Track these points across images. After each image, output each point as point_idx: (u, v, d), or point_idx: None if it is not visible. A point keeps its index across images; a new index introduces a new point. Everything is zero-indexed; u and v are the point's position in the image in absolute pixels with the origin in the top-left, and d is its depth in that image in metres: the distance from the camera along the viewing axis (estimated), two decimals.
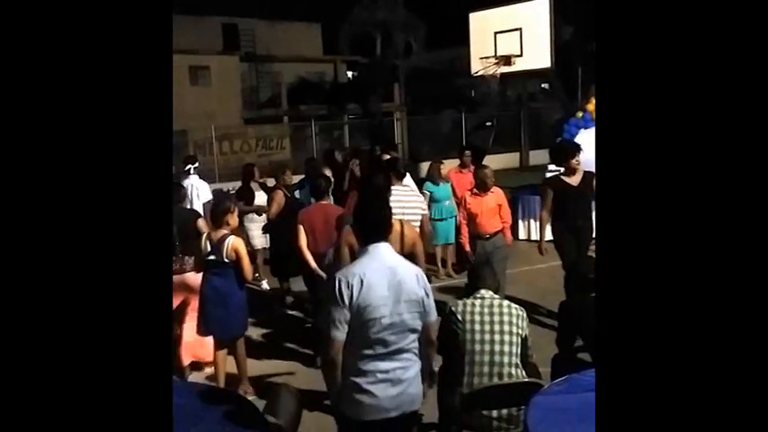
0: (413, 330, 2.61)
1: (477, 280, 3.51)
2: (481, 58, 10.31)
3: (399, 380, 2.59)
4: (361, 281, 2.51)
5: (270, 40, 27.16)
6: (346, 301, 2.50)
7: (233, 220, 4.62)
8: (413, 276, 2.63)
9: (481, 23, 10.46)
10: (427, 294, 2.65)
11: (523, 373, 3.26)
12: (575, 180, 5.65)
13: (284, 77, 27.28)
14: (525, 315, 3.40)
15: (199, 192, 7.49)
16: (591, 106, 10.97)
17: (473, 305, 3.36)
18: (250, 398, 4.42)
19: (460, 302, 3.41)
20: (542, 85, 23.51)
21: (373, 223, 2.70)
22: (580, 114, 11.21)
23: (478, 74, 10.58)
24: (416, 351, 2.66)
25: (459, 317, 3.33)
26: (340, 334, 2.51)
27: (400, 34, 25.08)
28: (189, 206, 6.63)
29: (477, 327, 3.28)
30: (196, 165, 7.82)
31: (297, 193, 6.84)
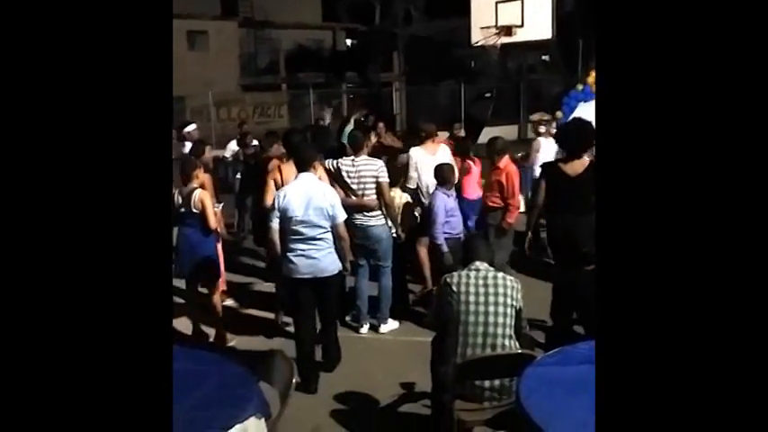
0: (320, 226, 4.19)
1: (472, 252, 3.53)
2: (482, 28, 10.18)
3: (311, 256, 4.21)
4: (284, 194, 4.23)
5: (269, 6, 26.73)
6: (276, 206, 4.23)
7: (201, 175, 5.25)
8: (321, 193, 4.22)
9: None
10: (332, 205, 4.20)
11: (517, 344, 3.29)
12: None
13: (283, 44, 26.93)
14: (520, 287, 3.42)
15: None
16: (591, 79, 10.88)
17: (467, 276, 3.37)
18: (231, 343, 4.86)
19: (455, 274, 3.42)
20: (543, 57, 23.27)
21: (301, 161, 4.37)
22: (580, 87, 11.13)
23: (479, 44, 10.45)
24: (328, 240, 4.23)
25: (454, 288, 3.34)
26: (273, 224, 4.24)
27: (400, 2, 24.72)
28: None
29: (472, 298, 3.30)
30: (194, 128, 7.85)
31: None
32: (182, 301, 5.38)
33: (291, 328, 4.86)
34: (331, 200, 4.22)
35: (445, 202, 5.24)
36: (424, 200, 5.81)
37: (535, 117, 7.84)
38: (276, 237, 4.26)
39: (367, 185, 5.05)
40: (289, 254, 4.25)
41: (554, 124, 7.64)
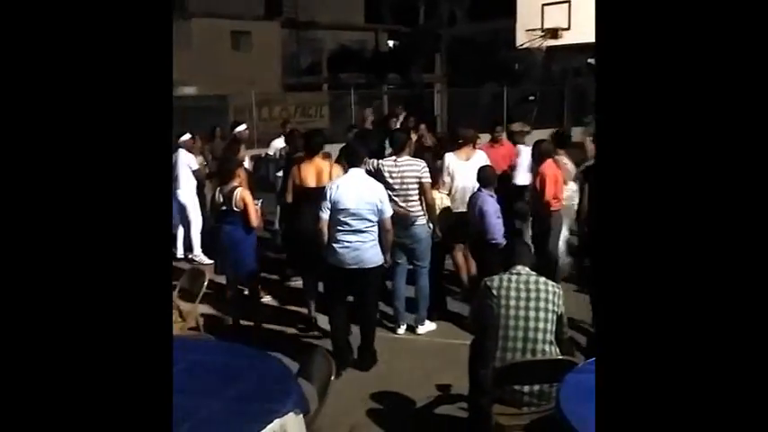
0: (369, 220, 4.39)
1: (514, 256, 3.49)
2: (527, 31, 10.05)
3: (357, 248, 4.40)
4: (337, 186, 4.43)
5: (312, 7, 26.98)
6: (327, 197, 4.40)
7: (242, 174, 5.38)
8: (372, 188, 4.45)
9: None
10: (381, 200, 4.42)
11: (557, 350, 3.25)
12: None
13: (325, 45, 27.14)
14: (561, 292, 3.38)
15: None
16: None
17: (509, 280, 3.34)
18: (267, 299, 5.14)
19: (496, 278, 3.39)
20: (588, 61, 22.89)
21: (352, 157, 4.65)
22: None
23: (523, 46, 10.33)
24: (373, 232, 4.42)
25: (495, 292, 3.32)
26: (324, 215, 4.41)
27: (444, 4, 24.64)
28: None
29: (513, 302, 3.27)
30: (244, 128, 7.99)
31: None
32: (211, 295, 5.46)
33: (321, 323, 5.19)
34: (380, 195, 4.44)
35: (492, 203, 5.25)
36: (456, 205, 5.77)
37: (516, 127, 7.87)
38: (325, 227, 4.43)
39: (409, 186, 5.05)
40: (335, 245, 4.42)
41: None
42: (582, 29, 9.48)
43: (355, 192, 4.37)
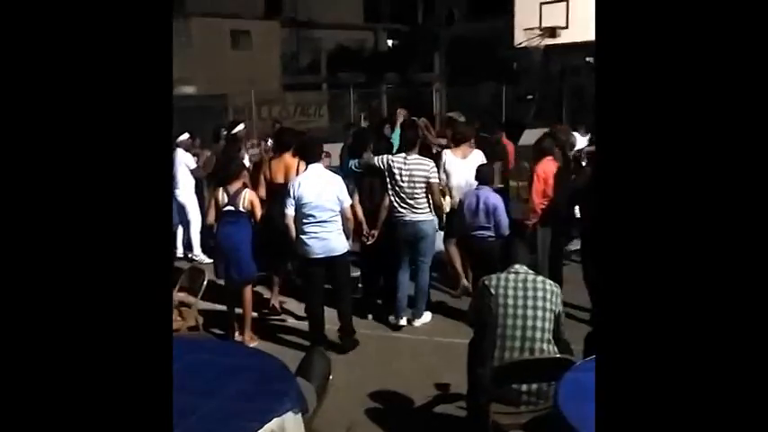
0: (332, 210, 4.71)
1: (512, 254, 3.50)
2: (525, 30, 10.09)
3: (323, 238, 4.73)
4: (299, 183, 4.75)
5: (311, 7, 26.97)
6: (291, 193, 4.73)
7: (246, 175, 5.45)
8: (330, 182, 4.76)
9: None
10: (340, 192, 4.74)
11: (555, 349, 3.25)
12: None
13: (324, 44, 27.13)
14: (560, 291, 3.38)
15: None
16: None
17: (507, 279, 3.35)
18: (253, 344, 4.93)
19: (494, 276, 3.40)
20: (586, 59, 22.88)
21: (308, 154, 4.96)
22: None
23: (522, 45, 10.35)
24: (337, 222, 4.76)
25: (493, 291, 3.32)
26: (289, 210, 4.74)
27: (443, 3, 24.64)
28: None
29: (511, 301, 3.28)
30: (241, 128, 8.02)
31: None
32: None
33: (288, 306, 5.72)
34: (339, 186, 4.79)
35: (475, 202, 5.34)
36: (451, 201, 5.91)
37: (453, 114, 7.95)
38: (291, 221, 4.76)
39: (417, 184, 5.17)
40: (303, 236, 4.75)
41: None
42: (580, 27, 9.51)
43: (315, 186, 4.70)
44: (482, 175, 5.48)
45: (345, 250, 4.88)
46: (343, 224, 4.84)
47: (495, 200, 5.36)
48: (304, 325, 5.18)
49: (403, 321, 5.41)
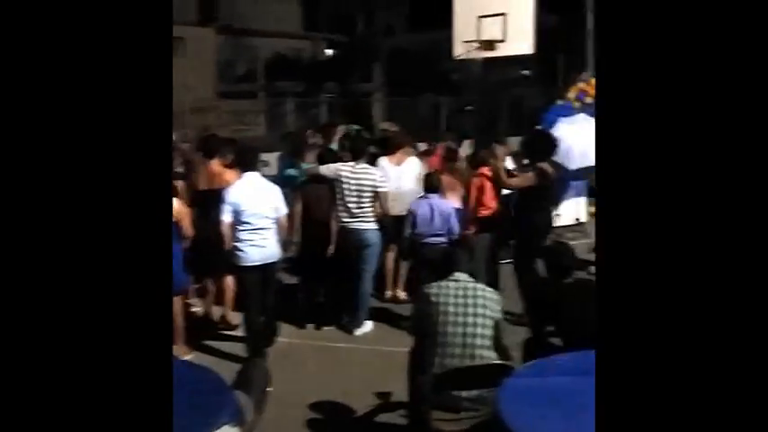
0: (267, 218, 4.71)
1: (452, 262, 3.52)
2: (464, 42, 10.23)
3: (259, 245, 4.71)
4: (235, 191, 4.71)
5: (248, 14, 26.67)
6: (227, 201, 4.65)
7: (180, 186, 5.37)
8: (269, 190, 4.76)
9: (465, 6, 10.35)
10: (277, 200, 4.76)
11: (495, 355, 3.28)
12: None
13: (262, 53, 26.82)
14: (499, 298, 3.42)
15: None
16: (571, 94, 11.02)
17: (447, 287, 3.36)
18: (187, 356, 4.78)
19: (435, 284, 3.41)
20: (523, 72, 23.52)
21: (244, 162, 4.91)
22: (560, 102, 11.26)
23: (460, 57, 10.51)
24: (273, 229, 4.75)
25: (433, 298, 3.33)
26: (225, 218, 4.67)
27: (382, 14, 24.84)
28: None
29: (451, 309, 3.29)
30: None
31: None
32: None
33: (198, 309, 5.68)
34: (276, 195, 4.82)
35: (429, 209, 5.41)
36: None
37: (385, 125, 8.19)
38: (227, 229, 4.71)
39: (364, 193, 5.23)
40: (240, 244, 4.72)
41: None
42: (517, 41, 9.74)
43: (253, 193, 4.69)
44: (430, 184, 5.58)
45: (279, 257, 4.95)
46: (277, 231, 4.87)
47: (448, 206, 5.50)
48: (240, 334, 5.08)
49: (368, 328, 5.43)
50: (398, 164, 6.16)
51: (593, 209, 9.10)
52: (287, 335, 5.32)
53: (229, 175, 5.22)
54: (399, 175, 6.04)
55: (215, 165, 5.45)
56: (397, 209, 5.71)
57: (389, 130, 7.61)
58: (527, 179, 5.42)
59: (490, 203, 5.83)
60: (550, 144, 5.75)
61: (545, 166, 5.44)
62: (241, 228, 4.69)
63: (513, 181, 5.58)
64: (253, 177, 4.79)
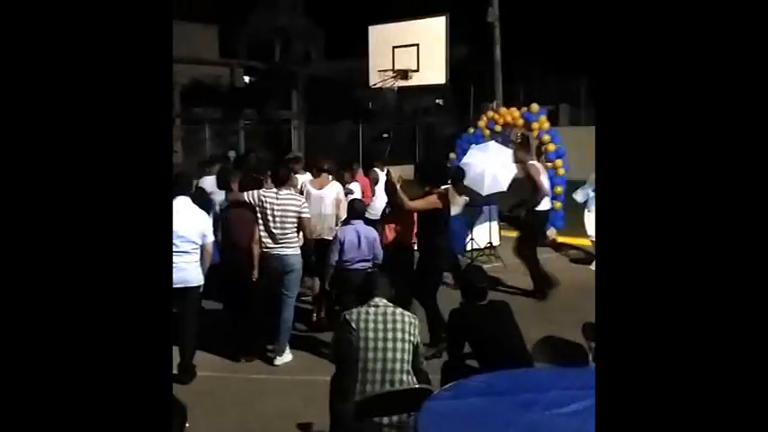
0: (194, 242, 4.85)
1: (372, 287, 3.56)
2: (379, 71, 10.47)
3: (181, 267, 4.72)
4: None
5: None
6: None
7: None
8: (198, 217, 4.96)
9: (380, 37, 10.63)
10: (206, 227, 4.95)
11: (414, 379, 3.33)
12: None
13: (178, 78, 26.24)
14: (417, 323, 3.49)
15: None
16: (482, 123, 11.45)
17: (367, 313, 3.40)
18: None
19: (354, 311, 3.44)
20: (437, 101, 24.19)
21: (177, 187, 4.89)
22: (471, 130, 11.67)
23: (376, 86, 10.73)
24: (196, 254, 4.88)
25: (354, 324, 3.35)
26: None
27: (299, 42, 24.91)
28: None
29: (371, 334, 3.32)
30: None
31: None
32: None
33: None
34: (205, 222, 5.02)
35: (356, 235, 5.48)
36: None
37: (291, 154, 8.57)
38: None
39: (288, 218, 5.29)
40: None
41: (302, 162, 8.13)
42: (429, 71, 10.06)
43: (183, 217, 4.78)
44: (355, 210, 5.67)
45: (199, 283, 4.97)
46: (201, 257, 4.94)
47: (372, 232, 5.59)
48: None
49: (288, 358, 5.40)
50: (321, 187, 6.29)
51: (504, 232, 9.43)
52: (208, 368, 5.18)
53: None
54: (321, 198, 6.18)
55: None
56: (316, 232, 5.86)
57: (298, 156, 7.83)
58: (430, 202, 5.56)
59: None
60: (442, 171, 6.12)
61: (444, 190, 5.66)
62: None
63: (418, 203, 5.69)
64: (183, 201, 4.93)
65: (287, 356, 5.42)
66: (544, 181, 7.32)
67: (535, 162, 7.67)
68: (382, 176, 7.40)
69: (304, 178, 6.67)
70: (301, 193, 6.18)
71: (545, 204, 7.42)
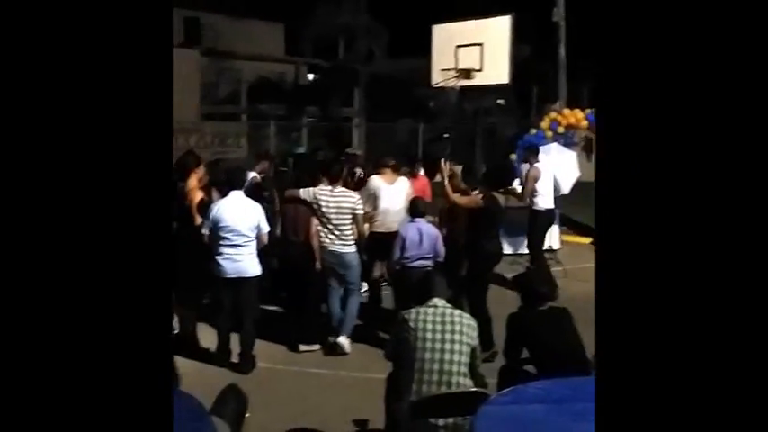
0: (247, 235, 5.05)
1: (430, 287, 3.57)
2: (442, 70, 10.43)
3: (236, 259, 5.05)
4: (218, 207, 5.09)
5: (232, 37, 26.73)
6: (208, 217, 5.06)
7: None
8: (251, 209, 5.11)
9: (443, 36, 10.59)
10: (259, 219, 5.12)
11: (471, 382, 3.33)
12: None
13: (245, 75, 26.87)
14: (476, 325, 3.48)
15: None
16: (544, 124, 11.24)
17: (425, 313, 3.41)
18: None
19: (413, 310, 3.45)
20: (498, 101, 23.90)
21: (231, 181, 5.22)
22: (533, 131, 11.48)
23: (438, 85, 10.70)
24: (251, 245, 5.09)
25: (412, 324, 3.37)
26: (206, 231, 5.08)
27: (363, 40, 25.09)
28: None
29: (429, 335, 3.34)
30: None
31: None
32: None
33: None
34: (259, 214, 5.16)
35: (417, 233, 5.50)
36: (376, 226, 6.14)
37: (350, 150, 8.52)
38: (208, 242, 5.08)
39: (344, 216, 5.42)
40: (218, 257, 5.06)
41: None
42: (492, 71, 9.96)
43: (235, 211, 5.03)
44: (417, 208, 5.73)
45: (255, 274, 5.16)
46: (256, 247, 5.15)
47: (434, 230, 5.65)
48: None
49: (342, 339, 5.52)
50: (391, 183, 6.31)
51: (564, 237, 9.24)
52: (266, 359, 5.32)
53: (199, 194, 5.41)
54: (392, 194, 6.21)
55: (190, 182, 5.45)
56: (385, 226, 5.95)
57: (355, 153, 7.89)
58: (473, 201, 5.54)
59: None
60: (509, 175, 6.11)
61: (496, 194, 5.70)
62: (220, 242, 5.01)
63: (462, 199, 5.68)
64: (236, 196, 5.12)
65: (347, 347, 5.54)
66: None
67: None
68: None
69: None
70: (358, 187, 6.24)
71: None
